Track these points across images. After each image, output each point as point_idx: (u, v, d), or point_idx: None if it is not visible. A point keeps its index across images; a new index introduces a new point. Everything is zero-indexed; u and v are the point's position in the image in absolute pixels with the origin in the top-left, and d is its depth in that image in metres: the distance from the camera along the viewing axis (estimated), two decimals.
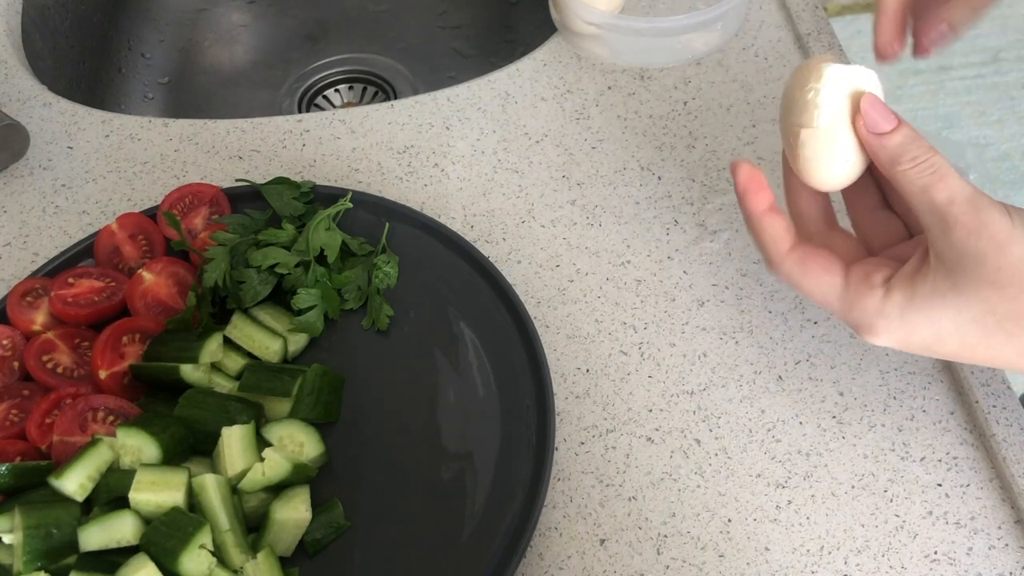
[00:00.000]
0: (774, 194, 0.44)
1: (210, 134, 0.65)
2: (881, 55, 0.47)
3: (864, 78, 0.41)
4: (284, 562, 0.46)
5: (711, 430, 0.52)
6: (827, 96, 0.40)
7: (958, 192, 0.38)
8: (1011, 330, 0.38)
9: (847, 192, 0.46)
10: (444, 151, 0.64)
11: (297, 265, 0.54)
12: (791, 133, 0.42)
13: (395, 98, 0.90)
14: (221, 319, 0.53)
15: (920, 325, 0.39)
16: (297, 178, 0.60)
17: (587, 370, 0.54)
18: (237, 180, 0.59)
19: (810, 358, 0.54)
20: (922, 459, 0.50)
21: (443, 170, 0.63)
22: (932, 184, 0.39)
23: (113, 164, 0.64)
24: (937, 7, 0.47)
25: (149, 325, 0.52)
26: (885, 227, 0.45)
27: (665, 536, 0.48)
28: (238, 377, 0.52)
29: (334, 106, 0.92)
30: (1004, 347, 0.39)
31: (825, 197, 0.46)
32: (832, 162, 0.41)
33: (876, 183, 0.46)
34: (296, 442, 0.49)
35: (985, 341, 0.39)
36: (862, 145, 0.41)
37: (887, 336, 0.41)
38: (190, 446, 0.48)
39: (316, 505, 0.48)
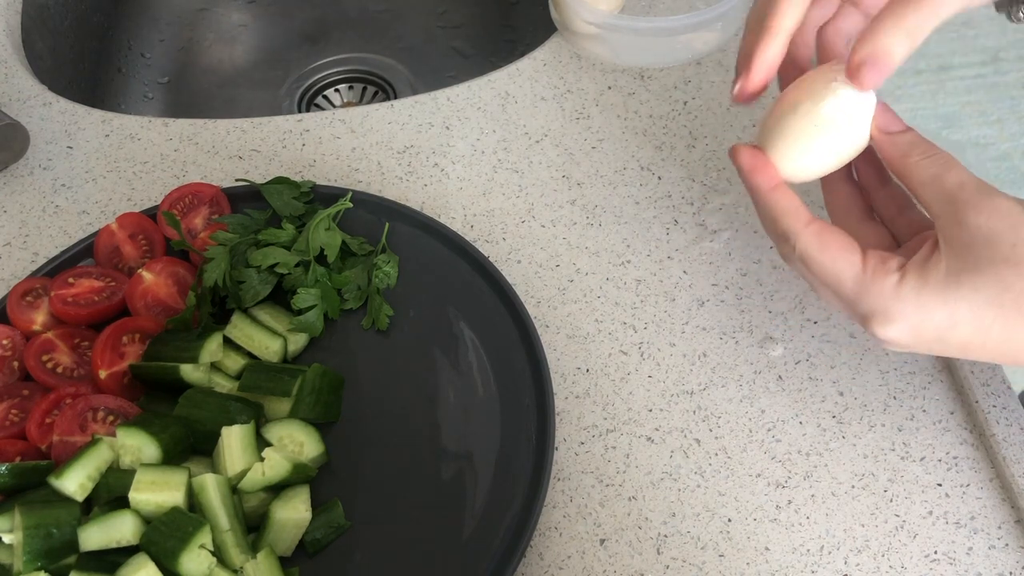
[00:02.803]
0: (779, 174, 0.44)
1: (210, 134, 0.65)
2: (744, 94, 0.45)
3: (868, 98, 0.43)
4: (284, 562, 0.46)
5: (711, 430, 0.52)
6: (844, 95, 0.41)
7: (968, 179, 0.39)
8: None
9: (833, 205, 0.47)
10: (444, 151, 0.64)
11: (297, 265, 0.54)
12: (790, 108, 0.42)
13: (395, 98, 0.89)
14: (221, 319, 0.53)
15: (935, 308, 0.39)
16: (297, 178, 0.60)
17: (587, 370, 0.54)
18: (237, 180, 0.59)
19: (810, 358, 0.54)
20: (922, 459, 0.50)
21: (443, 170, 0.63)
22: (943, 172, 0.39)
23: (113, 164, 0.64)
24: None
25: (149, 325, 0.52)
26: (874, 237, 0.45)
27: (665, 536, 0.48)
28: (238, 377, 0.52)
29: (334, 106, 0.92)
30: (1019, 327, 0.38)
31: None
32: (809, 151, 0.42)
33: (860, 194, 0.46)
34: (296, 442, 0.49)
35: (1001, 320, 0.38)
36: (837, 145, 0.42)
37: (901, 322, 0.39)
38: (190, 446, 0.48)
39: (316, 505, 0.48)
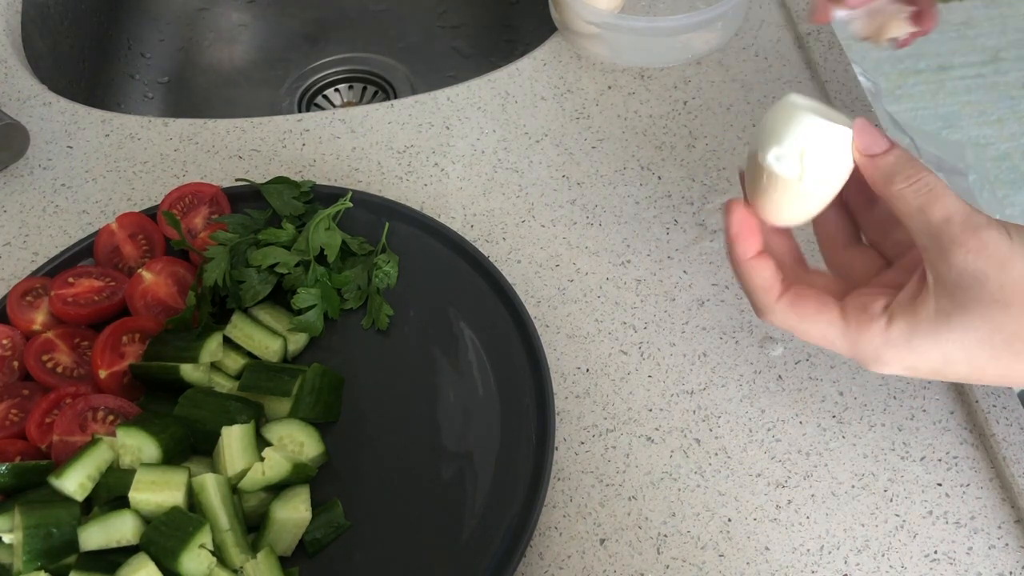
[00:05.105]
0: (762, 239, 0.42)
1: (210, 134, 0.65)
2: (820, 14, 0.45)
3: (838, 128, 0.39)
4: (284, 562, 0.46)
5: (711, 430, 0.52)
6: (812, 154, 0.39)
7: (955, 211, 0.37)
8: (1019, 349, 0.37)
9: (820, 230, 0.46)
10: (444, 151, 0.64)
11: (297, 265, 0.54)
12: (760, 170, 0.40)
13: (395, 98, 0.89)
14: (221, 319, 0.53)
15: (928, 350, 0.38)
16: (297, 178, 0.60)
17: (587, 370, 0.54)
18: (237, 180, 0.59)
19: (810, 358, 0.54)
20: (922, 459, 0.50)
21: (443, 170, 0.63)
22: (928, 204, 0.38)
23: (113, 164, 0.64)
24: None
25: (149, 325, 0.52)
26: (863, 261, 0.44)
27: (665, 536, 0.48)
28: (238, 377, 0.52)
29: (334, 106, 0.92)
30: (1014, 365, 0.38)
31: (790, 235, 0.44)
32: (796, 206, 0.41)
33: (848, 219, 0.45)
34: (296, 442, 0.49)
35: (994, 362, 0.38)
36: (823, 192, 0.40)
37: (896, 364, 0.39)
38: (190, 446, 0.48)
39: (316, 505, 0.48)
